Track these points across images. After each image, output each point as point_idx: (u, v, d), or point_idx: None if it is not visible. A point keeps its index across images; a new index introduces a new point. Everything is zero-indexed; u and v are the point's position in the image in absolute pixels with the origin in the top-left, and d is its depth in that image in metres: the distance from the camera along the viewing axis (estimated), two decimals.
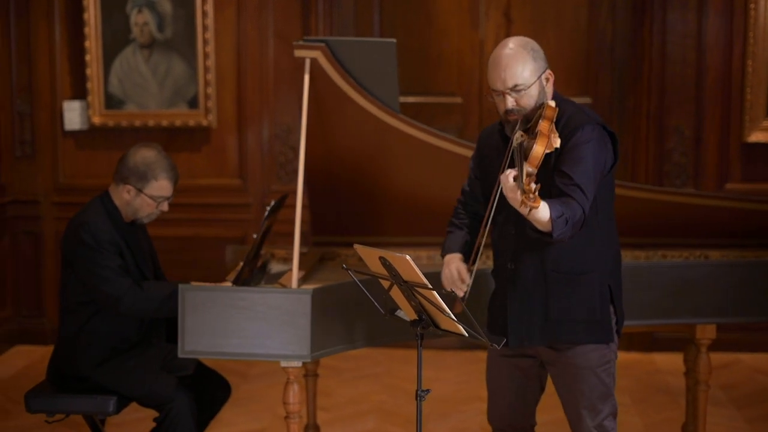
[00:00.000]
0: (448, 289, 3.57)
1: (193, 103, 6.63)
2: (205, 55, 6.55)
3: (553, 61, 6.49)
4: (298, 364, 4.10)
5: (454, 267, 3.70)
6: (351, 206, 4.80)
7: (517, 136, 3.40)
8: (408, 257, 3.15)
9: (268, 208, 4.32)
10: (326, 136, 4.60)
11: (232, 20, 6.62)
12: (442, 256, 3.83)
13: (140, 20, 6.58)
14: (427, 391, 3.42)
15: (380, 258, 3.26)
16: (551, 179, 3.44)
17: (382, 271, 3.32)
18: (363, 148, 4.63)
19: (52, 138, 6.80)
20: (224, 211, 6.73)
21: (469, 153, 4.44)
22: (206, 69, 6.56)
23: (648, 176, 6.58)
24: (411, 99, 6.73)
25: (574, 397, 3.68)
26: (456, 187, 4.06)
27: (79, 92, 6.73)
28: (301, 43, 4.35)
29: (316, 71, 4.35)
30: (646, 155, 6.59)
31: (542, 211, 3.23)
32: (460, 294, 3.60)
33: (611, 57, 6.67)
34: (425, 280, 3.18)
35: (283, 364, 4.11)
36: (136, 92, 6.66)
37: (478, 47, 6.69)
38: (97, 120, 6.67)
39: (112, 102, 6.66)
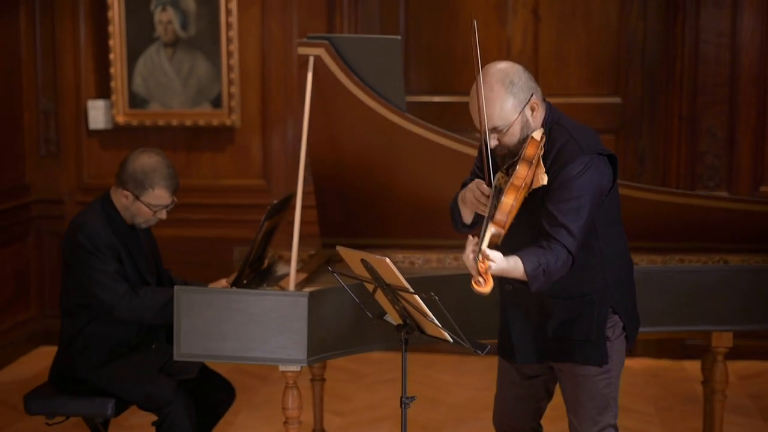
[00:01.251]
0: (477, 211, 3.38)
1: (216, 103, 6.57)
2: (229, 54, 6.49)
3: (581, 60, 6.48)
4: (296, 368, 4.02)
5: (470, 185, 3.42)
6: (360, 207, 4.71)
7: (498, 177, 3.29)
8: (387, 260, 3.05)
9: (268, 209, 4.24)
10: (332, 135, 4.52)
11: (257, 18, 6.55)
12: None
13: (164, 18, 6.54)
14: (412, 398, 3.30)
15: (362, 260, 3.16)
16: (538, 216, 3.31)
17: (366, 274, 3.22)
18: (370, 148, 4.54)
19: (76, 137, 6.78)
20: (248, 212, 6.63)
21: None
22: (230, 68, 6.50)
23: (680, 179, 6.40)
24: (436, 98, 6.64)
25: (573, 405, 3.60)
26: None
27: (104, 91, 6.71)
28: (304, 40, 4.29)
29: (320, 69, 4.28)
30: (677, 157, 6.41)
31: (513, 273, 3.17)
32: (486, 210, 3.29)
33: (642, 56, 6.48)
34: (406, 284, 3.08)
35: (282, 368, 4.04)
36: (160, 91, 6.62)
37: (505, 45, 6.55)
38: (120, 119, 6.64)
39: (136, 101, 6.63)
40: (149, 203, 4.26)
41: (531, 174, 3.20)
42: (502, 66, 3.36)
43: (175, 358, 3.99)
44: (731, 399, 4.69)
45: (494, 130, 3.30)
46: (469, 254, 3.11)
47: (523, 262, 3.17)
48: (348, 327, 4.03)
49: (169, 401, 4.20)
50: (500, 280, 3.49)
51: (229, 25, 6.47)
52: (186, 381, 4.40)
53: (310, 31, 6.38)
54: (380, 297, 3.28)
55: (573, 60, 6.48)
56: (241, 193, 6.70)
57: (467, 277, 4.32)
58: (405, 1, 6.64)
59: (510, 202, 3.14)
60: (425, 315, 3.10)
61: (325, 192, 4.70)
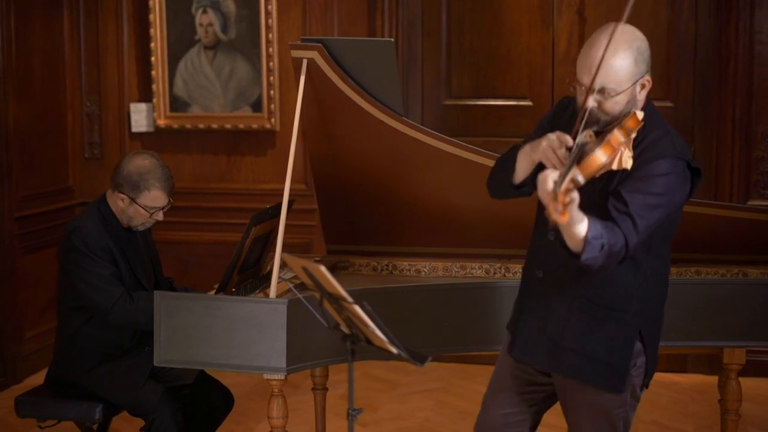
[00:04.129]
0: (546, 160, 2.98)
1: (256, 106, 6.51)
2: (269, 57, 6.43)
3: None
4: (280, 376, 3.92)
5: (549, 134, 3.00)
6: (363, 213, 4.57)
7: (584, 135, 2.96)
8: (323, 267, 2.92)
9: (255, 214, 4.16)
10: (330, 138, 4.41)
11: (297, 21, 6.47)
12: (516, 154, 3.21)
13: (205, 21, 6.51)
14: (359, 410, 3.17)
15: (303, 268, 3.05)
16: (605, 200, 3.03)
17: (311, 282, 3.11)
18: (368, 151, 4.40)
19: (119, 140, 6.80)
20: (289, 217, 6.54)
21: (485, 160, 4.17)
22: (269, 71, 6.44)
23: (733, 186, 6.11)
24: (480, 102, 6.46)
25: None
26: (476, 196, 3.92)
27: (146, 94, 6.72)
28: (297, 43, 4.20)
29: (315, 72, 4.17)
30: (731, 164, 6.12)
31: (575, 226, 2.81)
32: (561, 169, 2.83)
33: (693, 58, 6.20)
34: (344, 293, 2.94)
35: (266, 376, 3.94)
36: (201, 94, 6.60)
37: (549, 47, 6.33)
38: (161, 122, 6.64)
39: (177, 104, 6.61)
40: (145, 205, 4.22)
41: (619, 150, 2.94)
42: (636, 31, 3.12)
43: (155, 363, 3.93)
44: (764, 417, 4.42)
45: (602, 90, 2.99)
46: (548, 180, 2.73)
47: (588, 223, 2.84)
48: (330, 335, 3.89)
49: (155, 407, 4.15)
50: (531, 266, 3.29)
51: (269, 28, 6.41)
52: (180, 387, 4.35)
53: (351, 34, 6.32)
54: (329, 306, 3.16)
55: None
56: (281, 198, 6.60)
57: (474, 287, 4.22)
58: (447, 2, 6.48)
59: (601, 159, 2.84)
60: (366, 325, 2.96)
61: (327, 196, 4.58)
